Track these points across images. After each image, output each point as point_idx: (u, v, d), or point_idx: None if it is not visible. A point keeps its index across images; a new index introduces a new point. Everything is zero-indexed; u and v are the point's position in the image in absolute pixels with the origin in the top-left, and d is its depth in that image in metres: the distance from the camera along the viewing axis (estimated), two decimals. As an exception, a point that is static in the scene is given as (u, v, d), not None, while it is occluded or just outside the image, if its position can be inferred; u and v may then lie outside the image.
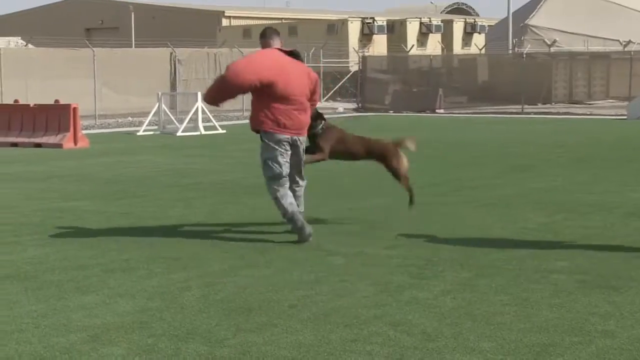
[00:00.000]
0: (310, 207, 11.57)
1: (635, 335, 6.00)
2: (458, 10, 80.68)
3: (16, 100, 25.49)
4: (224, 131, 26.33)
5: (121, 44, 49.45)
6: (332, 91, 47.75)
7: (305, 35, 51.72)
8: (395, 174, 10.57)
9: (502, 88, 40.48)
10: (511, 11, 46.83)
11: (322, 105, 44.24)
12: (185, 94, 34.36)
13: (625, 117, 31.74)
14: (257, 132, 9.52)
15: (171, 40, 41.74)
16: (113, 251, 8.89)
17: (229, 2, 75.62)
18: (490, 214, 10.98)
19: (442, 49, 52.54)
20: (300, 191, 9.86)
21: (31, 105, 23.96)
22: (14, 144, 22.79)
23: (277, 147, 9.36)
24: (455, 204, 11.85)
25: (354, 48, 49.71)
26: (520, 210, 11.27)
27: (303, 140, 9.71)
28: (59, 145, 21.99)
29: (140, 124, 29.74)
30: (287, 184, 9.48)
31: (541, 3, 49.51)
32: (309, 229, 9.29)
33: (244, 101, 31.86)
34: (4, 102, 26.98)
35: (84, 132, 24.43)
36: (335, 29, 52.94)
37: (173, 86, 38.02)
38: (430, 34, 55.99)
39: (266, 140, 9.41)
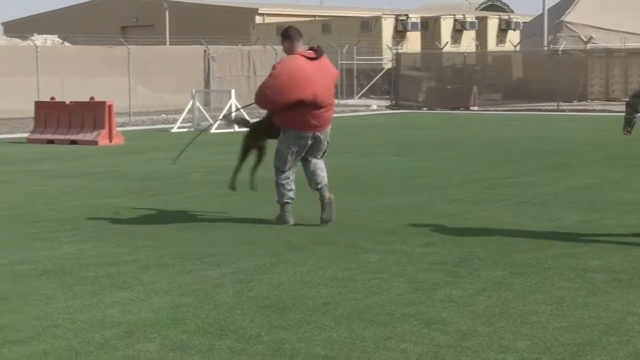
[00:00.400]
0: (345, 205, 11.56)
1: (672, 335, 5.94)
2: (493, 7, 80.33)
3: (52, 98, 25.65)
4: (258, 128, 26.34)
5: (156, 41, 49.67)
6: (365, 88, 47.71)
7: (338, 32, 51.65)
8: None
9: (537, 85, 40.26)
10: (546, 7, 46.54)
11: (355, 102, 44.31)
12: (219, 91, 34.46)
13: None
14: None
15: (205, 38, 41.85)
16: (147, 248, 8.93)
17: (262, 0, 75.71)
18: (525, 212, 10.91)
19: (477, 46, 52.29)
20: (321, 163, 10.33)
21: (67, 103, 24.11)
22: (50, 141, 22.94)
23: (296, 143, 10.07)
24: (489, 202, 11.79)
25: (387, 45, 49.62)
26: (556, 208, 11.20)
27: (327, 133, 10.24)
28: (94, 142, 22.12)
29: (175, 121, 29.86)
30: (293, 176, 10.25)
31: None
32: (291, 221, 10.08)
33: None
34: (41, 100, 27.15)
35: (119, 129, 24.54)
36: (368, 26, 52.86)
37: (207, 83, 38.13)
38: (465, 31, 55.74)
39: (288, 135, 10.07)
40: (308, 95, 9.80)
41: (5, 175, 15.69)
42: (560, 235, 9.36)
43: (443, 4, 77.58)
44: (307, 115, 9.90)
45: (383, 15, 53.53)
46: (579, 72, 40.64)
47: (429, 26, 55.04)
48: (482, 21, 58.33)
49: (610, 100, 40.65)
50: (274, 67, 10.14)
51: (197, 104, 28.48)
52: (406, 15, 54.00)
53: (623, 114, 9.79)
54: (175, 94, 36.15)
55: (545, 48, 45.20)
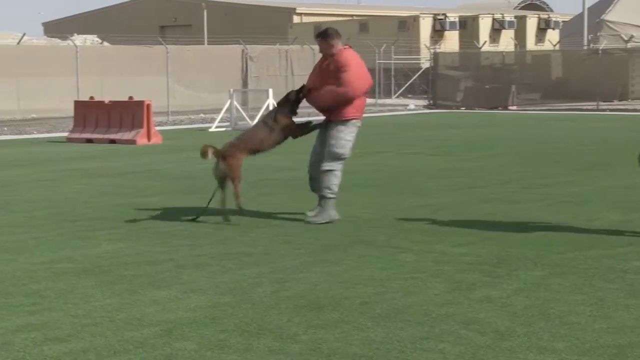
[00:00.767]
0: (382, 204, 11.57)
1: None
2: (532, 6, 79.90)
3: (91, 97, 25.84)
4: (296, 128, 26.35)
5: (194, 41, 49.91)
6: (402, 88, 47.63)
7: (376, 31, 51.60)
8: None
9: (576, 85, 39.97)
10: (587, 6, 46.19)
11: (393, 102, 44.25)
12: (257, 90, 34.54)
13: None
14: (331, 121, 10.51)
15: (243, 37, 41.99)
16: (185, 247, 8.96)
17: (300, -1, 75.82)
18: (564, 211, 10.84)
19: (515, 46, 52.04)
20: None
21: (106, 102, 24.28)
22: (89, 140, 23.10)
23: (355, 132, 10.54)
24: (528, 202, 11.72)
25: (425, 44, 49.51)
26: (596, 208, 11.11)
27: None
28: (132, 142, 22.25)
29: (212, 120, 29.96)
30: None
31: (618, -2, 48.74)
32: (337, 215, 10.31)
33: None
34: (80, 99, 27.36)
35: (157, 128, 24.67)
36: (406, 26, 52.77)
37: (244, 83, 38.24)
38: (503, 30, 55.49)
39: (350, 125, 10.44)
40: (371, 82, 10.78)
41: (46, 174, 15.82)
42: (599, 236, 9.29)
43: (482, 3, 77.31)
44: (363, 103, 10.64)
45: (421, 15, 53.41)
46: (620, 71, 40.30)
47: (467, 25, 54.85)
48: (521, 20, 58.03)
49: (652, 100, 40.30)
50: (343, 64, 10.39)
51: (235, 103, 28.57)
52: (444, 14, 53.84)
53: None
54: (213, 94, 36.31)
55: (585, 47, 44.84)
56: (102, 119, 23.54)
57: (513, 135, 22.90)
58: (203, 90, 37.24)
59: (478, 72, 42.75)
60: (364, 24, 55.47)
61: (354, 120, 10.44)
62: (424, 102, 42.97)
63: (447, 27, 52.62)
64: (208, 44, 52.47)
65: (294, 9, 68.86)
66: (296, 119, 10.93)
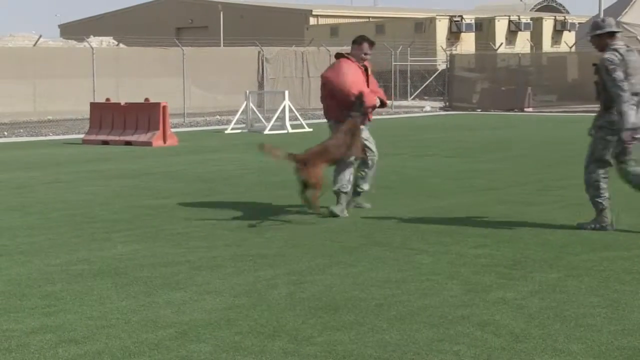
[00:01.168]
0: (399, 206, 11.56)
1: None
2: (548, 7, 79.67)
3: (107, 99, 25.92)
4: (311, 129, 26.40)
5: (210, 43, 50.03)
6: (419, 90, 47.59)
7: (392, 33, 51.60)
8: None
9: (592, 86, 39.75)
10: (603, 8, 46.03)
11: (409, 103, 44.22)
12: (273, 92, 34.59)
13: None
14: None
15: (259, 39, 42.04)
16: (201, 248, 8.97)
17: (316, 1, 75.89)
18: (579, 214, 10.79)
19: (531, 47, 51.93)
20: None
21: (122, 104, 24.34)
22: (105, 142, 23.18)
23: None
24: (543, 204, 11.69)
25: (441, 46, 49.46)
26: (611, 210, 11.05)
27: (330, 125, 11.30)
28: (148, 144, 22.30)
29: (228, 122, 30.00)
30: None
31: (634, 0, 48.56)
32: (346, 213, 10.78)
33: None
34: (96, 101, 27.46)
35: (173, 130, 24.73)
36: (423, 27, 52.74)
37: (261, 85, 38.28)
38: (519, 32, 55.39)
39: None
40: None
41: (62, 175, 15.87)
42: (615, 238, 9.26)
43: (498, 5, 77.14)
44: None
45: (437, 17, 53.36)
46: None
47: (483, 27, 54.78)
48: (537, 22, 57.91)
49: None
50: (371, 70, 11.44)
51: (251, 105, 28.60)
52: (460, 16, 53.79)
53: None
54: (229, 95, 36.36)
55: (602, 49, 44.65)
56: (118, 120, 23.61)
57: (529, 137, 22.85)
58: (219, 92, 37.30)
59: (494, 73, 42.66)
60: (380, 26, 55.48)
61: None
62: (440, 104, 42.92)
63: (464, 29, 52.55)
64: (224, 46, 52.54)
65: (310, 10, 68.90)
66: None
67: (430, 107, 41.83)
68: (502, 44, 48.45)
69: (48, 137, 26.79)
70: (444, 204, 11.64)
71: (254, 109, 29.14)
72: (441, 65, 47.42)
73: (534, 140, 22.04)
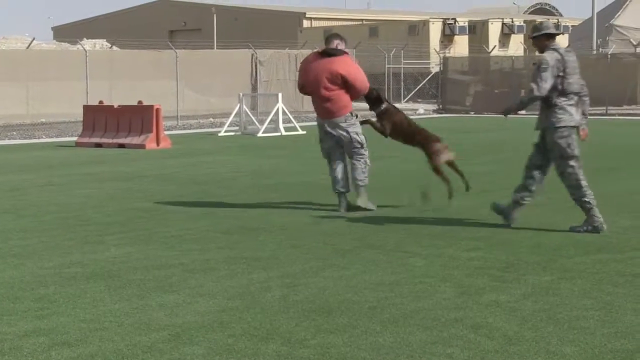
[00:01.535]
0: (392, 208, 11.57)
1: None
2: (541, 10, 79.79)
3: (100, 102, 25.89)
4: (304, 132, 26.40)
5: (203, 45, 49.95)
6: (412, 92, 47.61)
7: (386, 36, 51.67)
8: (430, 162, 11.58)
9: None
10: (596, 11, 46.14)
11: (402, 106, 44.22)
12: (266, 95, 34.58)
13: None
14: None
15: (252, 42, 42.02)
16: (194, 251, 8.97)
17: (310, 3, 75.90)
18: (573, 216, 10.80)
19: (525, 50, 51.98)
20: (356, 164, 11.46)
21: (115, 107, 24.31)
22: (98, 145, 23.15)
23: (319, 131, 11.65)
24: (536, 206, 11.69)
25: (435, 49, 49.50)
26: (604, 213, 11.06)
27: (330, 126, 11.40)
28: (141, 146, 22.28)
29: (222, 124, 29.99)
30: (333, 163, 11.52)
31: (627, 2, 48.59)
32: (340, 209, 11.28)
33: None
34: (90, 103, 27.42)
35: (166, 132, 24.71)
36: (416, 30, 52.79)
37: (254, 87, 38.27)
38: (513, 35, 55.47)
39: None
40: (299, 83, 11.71)
41: (55, 178, 15.85)
42: (608, 240, 9.27)
43: (491, 7, 77.26)
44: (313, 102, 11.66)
45: (431, 19, 53.42)
46: (629, 76, 40.21)
47: (476, 30, 54.84)
48: (531, 25, 57.90)
49: (661, 105, 40.19)
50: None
51: (244, 107, 28.59)
52: (454, 19, 53.86)
53: None
54: (222, 98, 36.33)
55: (594, 52, 44.79)
56: (111, 123, 23.58)
57: (523, 140, 22.81)
58: (212, 94, 37.27)
59: (487, 76, 42.69)
60: (374, 29, 55.52)
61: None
62: (434, 107, 42.96)
63: (457, 32, 52.60)
64: (217, 49, 52.53)
65: (304, 13, 68.93)
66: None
67: (423, 109, 41.86)
68: (495, 46, 48.47)
69: (41, 140, 26.75)
70: (437, 207, 11.64)
71: (248, 111, 29.13)
72: (434, 68, 47.44)
73: (527, 143, 22.02)
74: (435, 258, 8.50)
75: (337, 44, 11.38)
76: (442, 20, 53.61)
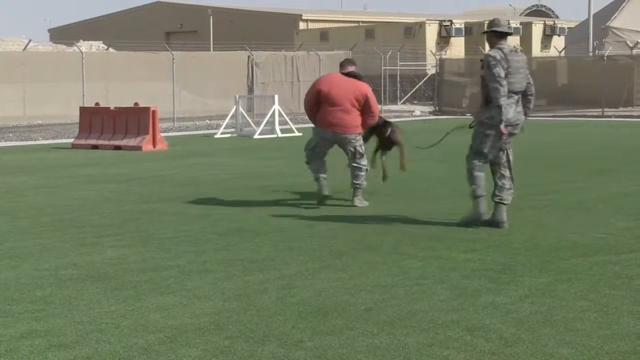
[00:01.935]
0: (389, 210, 11.58)
1: None
2: (537, 12, 79.87)
3: (97, 104, 25.89)
4: (301, 134, 26.40)
5: (200, 47, 49.96)
6: (408, 94, 47.63)
7: (382, 38, 51.65)
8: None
9: (582, 91, 39.92)
10: (592, 13, 46.18)
11: (398, 108, 44.25)
12: (263, 96, 34.57)
13: None
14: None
15: (249, 44, 42.02)
16: (190, 253, 8.96)
17: (306, 5, 75.88)
18: (570, 218, 10.83)
19: (521, 52, 51.98)
20: (356, 171, 12.25)
21: (111, 108, 24.32)
22: (95, 147, 23.15)
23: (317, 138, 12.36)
24: (533, 208, 11.71)
25: (431, 51, 49.51)
26: (601, 215, 11.10)
27: (337, 139, 12.25)
28: (138, 148, 22.27)
29: (218, 126, 30.00)
30: (317, 160, 12.29)
31: (623, 4, 48.67)
32: (324, 191, 12.10)
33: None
34: (86, 105, 27.40)
35: (163, 134, 24.71)
36: (412, 32, 52.77)
37: (250, 89, 38.27)
38: (509, 37, 55.41)
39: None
40: (319, 90, 12.26)
41: (52, 180, 15.84)
42: (605, 242, 9.28)
43: (487, 9, 77.31)
44: (320, 115, 12.26)
45: (427, 21, 53.41)
46: (625, 77, 40.25)
47: (472, 32, 54.80)
48: (527, 27, 58.01)
49: (657, 106, 40.24)
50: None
51: (241, 109, 28.59)
52: (450, 20, 53.84)
53: None
54: (218, 100, 36.34)
55: (591, 54, 44.84)
56: (108, 125, 23.58)
57: (519, 142, 22.81)
58: (209, 96, 37.28)
59: (484, 78, 42.65)
60: (370, 30, 55.52)
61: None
62: (430, 109, 42.96)
63: (453, 34, 52.60)
64: (214, 50, 52.51)
65: (300, 15, 68.91)
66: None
67: (419, 111, 41.87)
68: (491, 48, 48.45)
69: (38, 142, 26.73)
70: (434, 209, 11.65)
71: (244, 113, 29.13)
72: (431, 70, 47.45)
73: (523, 145, 22.03)
74: (432, 260, 8.50)
75: (352, 68, 12.42)
76: (438, 22, 53.60)
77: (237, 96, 29.12)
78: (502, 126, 10.05)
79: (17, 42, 47.11)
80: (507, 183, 10.41)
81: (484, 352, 5.70)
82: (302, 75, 39.75)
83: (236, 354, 5.74)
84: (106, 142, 23.13)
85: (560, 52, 47.24)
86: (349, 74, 12.30)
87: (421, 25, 52.99)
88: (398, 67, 46.31)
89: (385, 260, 8.52)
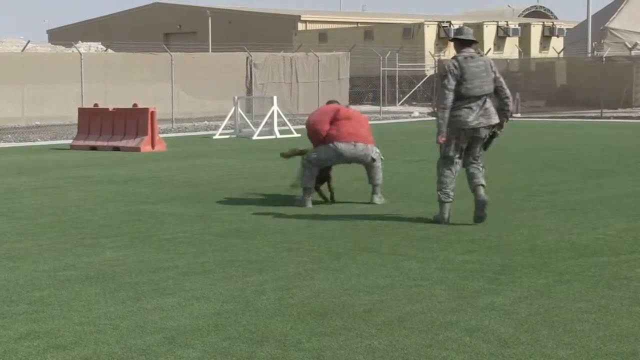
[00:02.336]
0: (387, 211, 11.57)
1: None
2: (536, 13, 79.93)
3: (96, 105, 25.89)
4: (299, 135, 26.40)
5: (198, 48, 49.98)
6: (407, 95, 47.64)
7: (380, 39, 51.68)
8: None
9: (580, 92, 39.96)
10: (591, 14, 46.19)
11: (397, 109, 44.24)
12: (261, 98, 34.59)
13: None
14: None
15: (247, 45, 42.04)
16: (189, 254, 8.96)
17: (305, 6, 75.90)
18: (568, 219, 10.83)
19: (520, 53, 52.05)
20: (374, 170, 12.70)
21: (110, 109, 24.32)
22: (93, 148, 23.14)
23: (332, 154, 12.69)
24: (532, 209, 11.72)
25: (429, 52, 49.55)
26: (600, 216, 11.10)
27: (359, 148, 12.66)
28: (136, 149, 22.27)
29: (217, 127, 29.99)
30: (315, 170, 12.49)
31: (622, 5, 48.70)
32: (307, 204, 12.32)
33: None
34: (85, 106, 27.39)
35: (162, 135, 24.70)
36: (411, 33, 52.81)
37: (249, 90, 38.28)
38: (508, 38, 55.51)
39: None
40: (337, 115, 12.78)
41: (50, 181, 15.84)
42: (604, 243, 9.28)
43: (486, 10, 77.35)
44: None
45: (425, 22, 53.45)
46: (624, 78, 40.29)
47: (472, 33, 54.81)
48: (525, 28, 58.06)
49: (656, 107, 40.27)
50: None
51: (239, 110, 28.59)
52: (449, 21, 53.87)
53: None
54: (217, 101, 36.36)
55: (589, 55, 44.86)
56: (106, 126, 23.58)
57: (517, 143, 22.88)
58: (207, 97, 37.30)
59: (482, 79, 42.66)
60: (369, 32, 55.55)
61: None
62: (429, 110, 42.96)
63: (452, 35, 52.60)
64: (212, 51, 52.52)
65: (299, 16, 68.94)
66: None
67: (418, 112, 41.89)
68: (490, 49, 48.52)
69: (36, 143, 26.73)
70: (432, 210, 11.64)
71: (243, 114, 29.13)
72: (429, 71, 47.49)
73: (523, 146, 22.08)
74: (430, 261, 8.51)
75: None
76: (437, 23, 53.64)
77: (236, 97, 29.12)
78: (439, 136, 10.43)
79: (16, 43, 47.11)
80: (475, 171, 10.76)
81: (483, 353, 5.70)
82: (301, 77, 39.76)
83: (235, 355, 5.74)
84: (105, 143, 23.12)
85: (559, 53, 47.28)
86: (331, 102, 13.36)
87: (420, 26, 53.03)
88: (397, 68, 46.33)
89: (384, 261, 8.52)
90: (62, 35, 72.59)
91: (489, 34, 55.08)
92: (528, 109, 39.77)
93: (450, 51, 51.41)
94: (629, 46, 42.92)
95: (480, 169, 10.74)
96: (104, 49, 44.50)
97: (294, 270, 8.14)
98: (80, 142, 23.73)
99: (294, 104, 39.22)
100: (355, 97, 47.51)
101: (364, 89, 50.58)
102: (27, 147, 25.26)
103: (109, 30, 70.77)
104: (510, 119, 11.09)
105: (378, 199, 12.51)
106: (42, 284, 7.70)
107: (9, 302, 7.10)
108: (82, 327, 6.36)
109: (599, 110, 37.24)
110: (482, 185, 10.65)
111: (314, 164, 12.49)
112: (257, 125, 28.14)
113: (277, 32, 64.02)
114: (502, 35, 55.53)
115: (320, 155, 12.49)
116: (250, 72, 38.66)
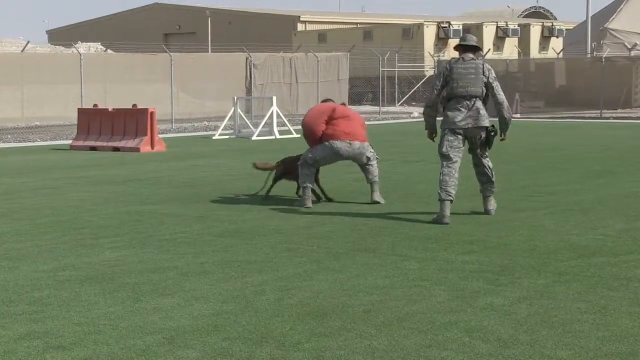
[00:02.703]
0: (386, 212, 11.58)
1: None
2: (536, 14, 79.95)
3: (95, 105, 25.88)
4: (299, 136, 26.36)
5: (198, 49, 49.99)
6: (407, 96, 47.65)
7: (380, 39, 51.70)
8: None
9: (580, 93, 39.97)
10: (590, 14, 46.19)
11: (397, 110, 44.25)
12: (261, 98, 34.60)
13: None
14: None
15: (247, 45, 42.05)
16: (189, 255, 8.96)
17: (304, 7, 75.93)
18: (568, 220, 10.83)
19: (519, 54, 52.05)
20: (370, 169, 12.72)
21: (110, 110, 24.31)
22: (93, 148, 23.14)
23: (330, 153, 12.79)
24: (532, 210, 11.72)
25: (429, 52, 49.56)
26: (599, 216, 11.10)
27: (355, 146, 12.73)
28: (136, 150, 22.27)
29: (216, 128, 30.00)
30: (313, 169, 12.61)
31: (622, 6, 48.70)
32: (308, 204, 12.24)
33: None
34: (84, 107, 27.40)
35: (161, 136, 24.70)
36: (410, 34, 52.83)
37: (249, 91, 38.29)
38: (507, 38, 55.54)
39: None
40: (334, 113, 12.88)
41: (50, 181, 15.84)
42: (603, 244, 9.28)
43: (485, 11, 77.38)
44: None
45: (425, 23, 53.47)
46: (623, 79, 40.30)
47: (471, 33, 54.83)
48: (525, 28, 58.07)
49: (655, 108, 40.27)
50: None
51: (239, 111, 28.60)
52: (448, 22, 53.91)
53: None
54: (217, 101, 36.37)
55: (589, 55, 44.86)
56: (106, 126, 23.58)
57: (517, 143, 22.88)
58: (207, 98, 37.31)
59: (482, 80, 42.65)
60: (369, 32, 55.57)
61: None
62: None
63: (451, 35, 52.64)
64: (212, 52, 52.53)
65: (299, 17, 68.96)
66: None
67: (418, 113, 41.84)
68: (490, 50, 48.53)
69: (36, 143, 26.73)
70: (432, 210, 11.64)
71: (242, 115, 29.13)
72: (429, 72, 47.50)
73: (522, 147, 22.07)
74: (430, 262, 8.51)
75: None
76: (436, 23, 53.66)
77: (236, 98, 29.13)
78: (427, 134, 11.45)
79: (16, 43, 47.11)
80: (484, 179, 11.37)
81: (483, 354, 5.70)
82: (301, 77, 39.77)
83: (234, 355, 5.74)
84: (104, 144, 23.12)
85: (558, 53, 47.27)
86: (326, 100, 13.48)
87: (419, 27, 53.06)
88: (396, 69, 46.33)
89: (384, 262, 8.52)
90: (62, 36, 72.61)
91: (489, 34, 55.10)
92: (528, 110, 39.77)
93: (450, 52, 51.47)
94: (629, 47, 42.92)
95: (489, 168, 11.33)
96: (104, 49, 44.50)
97: (293, 271, 8.14)
98: (80, 143, 23.73)
99: (294, 105, 39.23)
100: (355, 98, 47.55)
101: (364, 89, 50.64)
102: (27, 147, 25.26)
103: (109, 31, 70.77)
104: (508, 125, 11.43)
105: (378, 197, 12.53)
106: (42, 285, 7.70)
107: (9, 303, 7.10)
108: (82, 328, 6.36)
109: (599, 111, 37.24)
110: (492, 192, 11.30)
111: (311, 164, 12.51)
112: (256, 125, 28.14)
113: (276, 32, 64.05)
114: (501, 36, 55.57)
115: (317, 154, 12.52)
116: (250, 72, 38.67)
